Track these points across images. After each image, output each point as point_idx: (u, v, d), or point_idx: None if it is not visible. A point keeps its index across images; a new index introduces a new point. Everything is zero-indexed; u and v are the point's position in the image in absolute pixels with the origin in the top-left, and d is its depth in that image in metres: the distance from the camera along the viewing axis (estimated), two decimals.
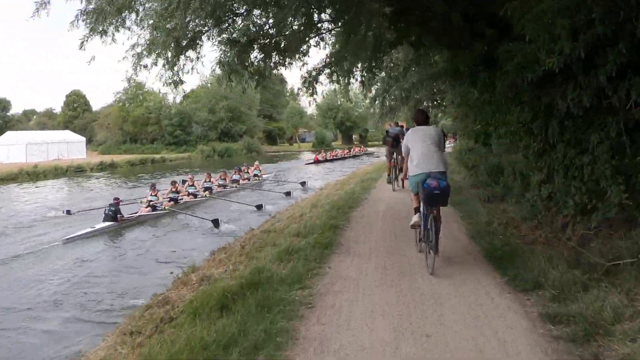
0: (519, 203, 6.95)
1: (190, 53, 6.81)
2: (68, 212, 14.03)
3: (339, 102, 58.30)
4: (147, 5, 6.26)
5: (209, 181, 17.06)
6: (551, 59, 4.44)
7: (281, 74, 61.42)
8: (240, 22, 6.33)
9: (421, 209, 4.79)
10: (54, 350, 4.99)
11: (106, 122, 53.64)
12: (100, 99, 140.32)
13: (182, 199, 14.90)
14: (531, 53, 4.82)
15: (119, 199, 12.98)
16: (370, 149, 48.67)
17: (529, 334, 3.19)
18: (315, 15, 6.41)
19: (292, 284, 4.26)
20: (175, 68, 6.98)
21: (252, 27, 5.19)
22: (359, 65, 8.64)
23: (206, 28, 6.55)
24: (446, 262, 4.87)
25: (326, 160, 35.34)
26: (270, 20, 5.48)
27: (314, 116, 67.77)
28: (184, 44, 6.57)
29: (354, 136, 66.34)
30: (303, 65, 8.00)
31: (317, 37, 7.80)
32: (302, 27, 5.97)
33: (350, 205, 8.83)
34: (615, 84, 4.33)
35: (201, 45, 6.81)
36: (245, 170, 21.09)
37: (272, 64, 6.83)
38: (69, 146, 42.04)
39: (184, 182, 16.88)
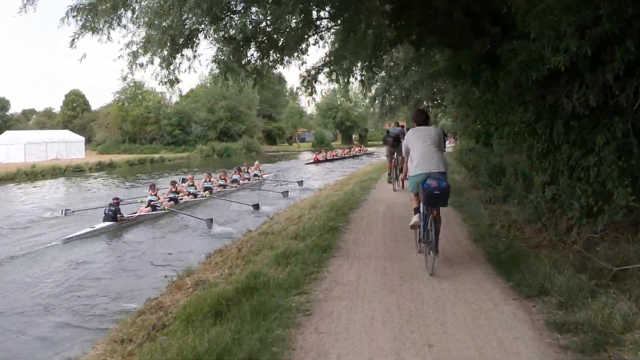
0: (522, 205, 6.82)
1: (187, 51, 6.70)
2: (66, 212, 13.92)
3: (338, 102, 58.11)
4: (143, 3, 6.14)
5: (209, 181, 17.00)
6: (557, 57, 4.31)
7: (280, 74, 61.49)
8: (237, 19, 6.20)
9: (421, 209, 4.76)
10: (41, 358, 4.84)
11: (105, 121, 53.47)
12: (100, 98, 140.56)
13: (182, 199, 14.84)
14: (536, 51, 4.69)
15: (119, 199, 12.88)
16: (370, 149, 48.55)
17: (535, 343, 3.06)
18: (314, 13, 6.27)
19: (289, 289, 4.12)
20: (171, 67, 6.85)
21: (249, 24, 5.03)
22: (359, 64, 8.51)
23: (202, 26, 6.42)
24: (448, 265, 4.74)
25: (326, 160, 35.19)
26: (268, 18, 5.33)
27: (313, 116, 67.63)
28: (180, 42, 6.43)
29: (353, 136, 66.18)
30: (302, 64, 7.88)
31: (316, 36, 7.66)
32: (301, 25, 5.83)
33: (350, 206, 8.70)
34: (623, 82, 4.20)
35: (198, 44, 6.70)
36: (245, 170, 21.01)
37: (269, 63, 6.68)
38: (67, 146, 41.87)
39: (184, 180, 16.79)
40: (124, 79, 7.05)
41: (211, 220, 11.74)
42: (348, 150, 42.72)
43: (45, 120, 63.66)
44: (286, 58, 7.26)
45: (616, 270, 3.99)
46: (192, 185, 16.01)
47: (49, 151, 39.03)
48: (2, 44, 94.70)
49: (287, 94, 63.68)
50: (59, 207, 14.91)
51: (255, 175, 21.41)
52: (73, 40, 5.17)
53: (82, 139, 45.57)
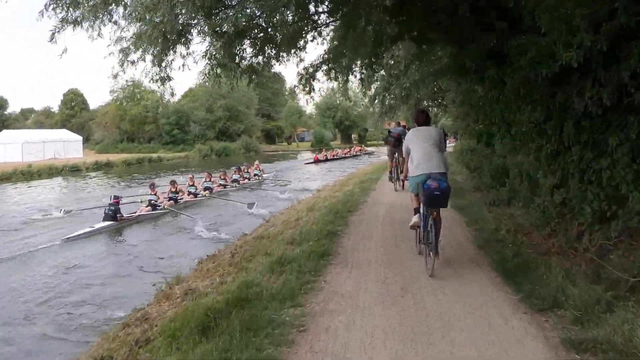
0: (527, 208, 6.55)
1: (180, 48, 6.43)
2: (65, 212, 13.85)
3: (337, 101, 57.82)
4: None
5: (209, 181, 16.94)
6: (569, 52, 4.04)
7: (280, 73, 61.11)
8: (232, 14, 5.91)
9: (421, 210, 4.70)
10: None
11: (103, 121, 53.15)
12: (100, 98, 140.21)
13: (181, 199, 14.82)
14: (546, 46, 4.42)
15: (118, 198, 12.78)
16: (369, 149, 48.30)
17: None
18: (311, 7, 5.98)
19: (284, 300, 3.84)
20: (163, 64, 6.58)
21: (242, 18, 4.74)
22: (358, 62, 8.23)
23: (195, 21, 6.14)
24: (453, 274, 4.46)
25: (327, 160, 34.90)
26: (262, 11, 5.03)
27: (312, 115, 67.36)
28: (172, 38, 6.15)
29: (353, 135, 65.89)
30: (300, 61, 7.61)
31: (314, 32, 7.38)
32: (297, 19, 5.54)
33: (349, 208, 8.42)
34: (639, 80, 3.93)
35: (191, 40, 6.42)
36: (246, 170, 20.87)
37: (265, 59, 6.39)
38: (65, 145, 41.62)
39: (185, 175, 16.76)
40: (115, 76, 6.78)
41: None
42: (348, 150, 42.44)
43: (43, 119, 63.32)
44: (283, 55, 6.98)
45: (633, 281, 3.72)
46: (193, 185, 15.96)
47: (46, 150, 38.79)
48: (2, 44, 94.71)
49: (286, 93, 63.30)
50: (51, 207, 14.72)
51: (255, 175, 21.35)
52: (53, 34, 4.87)
53: (80, 138, 45.32)
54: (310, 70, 7.72)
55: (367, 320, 3.47)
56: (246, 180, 20.04)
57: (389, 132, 11.08)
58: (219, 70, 5.81)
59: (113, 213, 11.95)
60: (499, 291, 4.01)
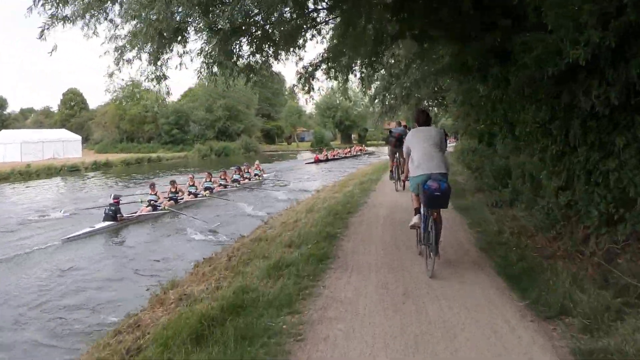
0: (531, 209, 6.41)
1: (177, 47, 6.29)
2: (64, 212, 13.80)
3: (337, 101, 57.68)
4: None
5: (210, 181, 16.88)
6: (576, 50, 3.90)
7: (279, 72, 61.03)
8: (228, 11, 5.77)
9: (421, 210, 4.68)
10: None
11: (103, 120, 53.01)
12: (99, 98, 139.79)
13: (182, 199, 14.76)
14: (552, 44, 4.27)
15: (119, 198, 12.70)
16: (369, 149, 48.16)
17: None
18: (310, 4, 5.83)
19: (280, 307, 3.70)
20: (159, 62, 6.45)
21: (237, 14, 4.59)
22: (358, 60, 8.09)
23: (192, 19, 6.00)
24: (457, 279, 4.33)
25: (327, 160, 34.74)
26: (259, 8, 4.88)
27: (312, 115, 67.22)
28: (169, 36, 6.01)
29: (352, 135, 65.75)
30: (299, 59, 7.48)
31: (313, 30, 7.25)
32: (295, 16, 5.40)
33: (349, 210, 8.28)
34: None
35: (188, 38, 6.28)
36: (246, 170, 20.78)
37: (263, 58, 6.24)
38: (64, 145, 41.48)
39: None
40: (110, 75, 6.66)
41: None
42: (349, 150, 42.29)
43: (42, 119, 63.21)
44: (282, 53, 6.84)
45: None
46: (193, 185, 15.89)
47: (45, 150, 38.65)
48: (2, 44, 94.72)
49: (286, 93, 63.17)
50: (47, 208, 14.58)
51: (256, 175, 21.29)
52: (42, 31, 4.72)
53: (79, 138, 45.17)
54: (310, 69, 7.60)
55: (367, 328, 3.33)
56: (247, 180, 19.99)
57: (390, 132, 11.04)
58: (215, 69, 5.65)
59: (113, 213, 11.92)
60: (503, 297, 3.87)
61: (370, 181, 13.30)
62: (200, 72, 5.81)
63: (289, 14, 5.30)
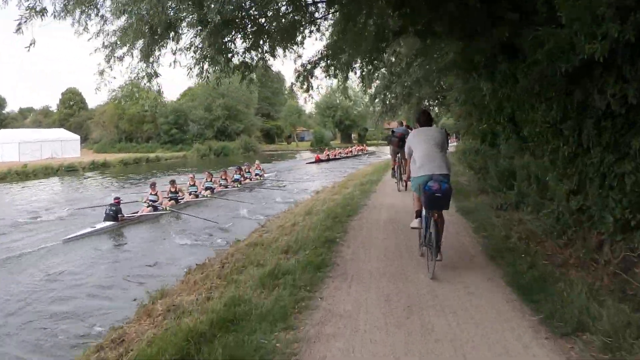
0: (537, 212, 6.14)
1: (171, 44, 6.03)
2: (65, 212, 13.71)
3: (337, 101, 57.42)
4: None
5: (210, 181, 16.74)
6: (593, 44, 3.63)
7: (279, 72, 60.77)
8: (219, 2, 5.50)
9: (423, 213, 4.64)
10: None
11: (101, 120, 52.75)
12: (99, 97, 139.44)
13: (182, 199, 14.66)
14: (566, 39, 4.01)
15: (119, 198, 12.62)
16: (370, 148, 47.91)
17: None
18: None
19: (275, 322, 3.43)
20: (150, 59, 6.18)
21: (228, 5, 4.31)
22: (358, 58, 7.81)
23: (185, 13, 5.73)
24: (464, 291, 4.05)
25: (328, 160, 34.49)
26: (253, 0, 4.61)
27: (312, 115, 66.96)
28: (160, 31, 5.74)
29: (352, 135, 65.49)
30: (298, 57, 7.21)
31: (311, 26, 6.98)
32: (290, 10, 5.12)
33: (349, 212, 8.01)
34: None
35: (181, 34, 6.01)
36: (247, 170, 20.59)
37: (259, 55, 5.96)
38: (63, 145, 41.24)
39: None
40: (101, 73, 6.40)
41: None
42: (349, 150, 42.03)
43: (41, 118, 62.98)
44: (280, 49, 6.57)
45: None
46: (193, 185, 15.76)
47: (43, 150, 38.41)
48: (2, 44, 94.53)
49: (286, 92, 62.88)
50: (41, 209, 14.35)
51: (256, 175, 21.16)
52: (19, 24, 4.44)
53: (78, 137, 44.95)
54: (308, 66, 7.32)
55: (368, 347, 3.05)
56: (247, 180, 19.85)
57: (392, 131, 10.90)
58: (206, 65, 5.38)
59: (114, 213, 11.83)
60: (515, 311, 3.60)
61: (371, 182, 13.04)
62: (190, 69, 5.54)
63: (284, 7, 5.03)
